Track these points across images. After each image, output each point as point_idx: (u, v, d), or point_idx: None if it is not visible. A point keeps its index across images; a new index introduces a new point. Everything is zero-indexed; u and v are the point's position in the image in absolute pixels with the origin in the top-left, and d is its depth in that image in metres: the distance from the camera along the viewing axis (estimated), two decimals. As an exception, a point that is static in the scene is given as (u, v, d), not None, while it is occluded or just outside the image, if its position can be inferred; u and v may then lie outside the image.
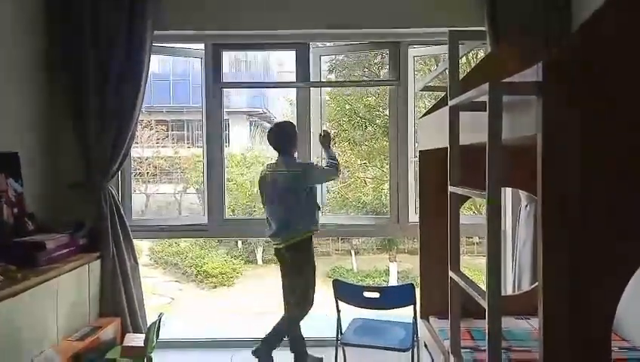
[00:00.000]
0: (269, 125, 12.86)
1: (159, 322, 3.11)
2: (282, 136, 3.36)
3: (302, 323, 3.37)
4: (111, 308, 3.30)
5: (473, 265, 9.38)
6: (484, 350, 1.40)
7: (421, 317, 2.88)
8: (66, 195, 3.36)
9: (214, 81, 3.71)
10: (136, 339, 3.14)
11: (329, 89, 9.10)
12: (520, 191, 3.26)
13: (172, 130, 10.16)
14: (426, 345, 2.79)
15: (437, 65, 6.09)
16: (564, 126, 1.21)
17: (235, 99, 11.70)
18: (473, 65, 3.50)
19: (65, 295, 2.83)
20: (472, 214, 7.07)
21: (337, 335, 3.01)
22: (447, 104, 1.88)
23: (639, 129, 1.23)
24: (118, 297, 3.32)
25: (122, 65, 3.30)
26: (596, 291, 1.22)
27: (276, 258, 3.47)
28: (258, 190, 3.45)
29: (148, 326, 3.15)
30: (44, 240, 2.81)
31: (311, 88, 3.73)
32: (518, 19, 3.23)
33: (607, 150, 1.23)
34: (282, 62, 12.22)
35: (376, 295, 2.96)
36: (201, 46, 3.72)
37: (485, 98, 1.33)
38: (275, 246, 3.38)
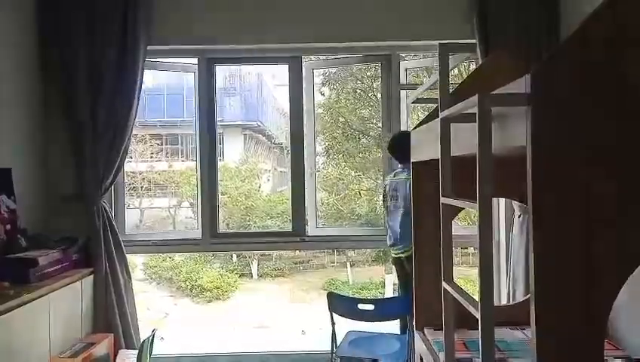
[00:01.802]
0: (263, 138, 12.91)
1: (153, 338, 3.09)
2: (399, 142, 3.37)
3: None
4: (104, 323, 3.27)
5: (468, 276, 9.36)
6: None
7: (416, 329, 2.87)
8: (59, 211, 3.36)
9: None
10: (129, 355, 3.11)
11: (323, 102, 9.12)
12: (513, 201, 3.27)
13: (166, 144, 10.16)
14: (421, 357, 2.78)
15: (429, 78, 6.13)
16: (553, 136, 1.22)
17: (228, 112, 11.72)
18: (465, 77, 3.54)
19: (57, 311, 2.81)
20: (466, 225, 7.07)
21: (332, 348, 3.00)
22: (438, 116, 1.89)
23: (630, 138, 1.24)
24: (111, 313, 3.30)
25: (115, 80, 3.31)
26: (588, 301, 1.23)
27: (395, 266, 3.46)
28: (385, 196, 3.45)
29: (141, 342, 3.12)
30: (37, 257, 2.79)
31: (304, 102, 3.75)
32: (508, 31, 3.27)
33: (597, 160, 1.24)
34: (276, 76, 12.27)
35: (370, 307, 2.96)
36: (195, 60, 3.74)
37: (475, 110, 1.34)
38: (396, 254, 3.37)
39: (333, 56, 3.95)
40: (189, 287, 10.44)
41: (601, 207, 1.23)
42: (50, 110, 3.41)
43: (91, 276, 3.26)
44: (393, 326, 3.35)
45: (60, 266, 2.96)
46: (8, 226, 2.94)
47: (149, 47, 3.41)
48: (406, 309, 2.87)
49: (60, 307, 2.85)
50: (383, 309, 3.02)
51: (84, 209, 3.32)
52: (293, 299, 9.98)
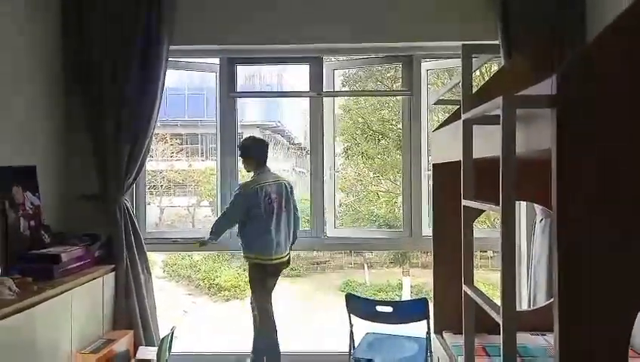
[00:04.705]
0: (282, 138, 12.93)
1: (172, 335, 3.12)
2: (267, 149, 3.54)
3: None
4: (124, 320, 3.31)
5: (488, 280, 9.26)
6: (499, 366, 1.38)
7: (435, 332, 2.85)
8: (81, 208, 3.40)
9: (228, 92, 3.77)
10: (149, 352, 3.15)
11: (342, 102, 9.11)
12: (535, 204, 3.23)
13: (186, 144, 10.24)
14: (439, 361, 2.75)
15: (450, 79, 6.09)
16: (578, 139, 1.20)
17: (248, 112, 11.77)
18: (487, 78, 3.50)
19: (79, 307, 2.85)
20: (486, 228, 7.00)
21: (350, 349, 2.99)
22: (460, 117, 1.87)
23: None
24: (131, 310, 3.34)
25: (138, 79, 3.34)
26: (613, 307, 1.20)
27: (269, 274, 3.41)
28: (244, 205, 3.34)
29: (161, 339, 3.15)
30: (60, 253, 2.84)
31: (324, 101, 3.75)
32: (531, 32, 3.23)
33: (622, 163, 1.21)
34: (296, 76, 12.28)
35: (389, 309, 2.94)
36: (216, 60, 3.76)
37: (499, 111, 1.33)
38: (278, 260, 3.39)
39: (354, 57, 3.94)
40: (207, 286, 10.51)
41: (627, 210, 1.21)
42: (73, 109, 3.45)
43: (113, 273, 3.30)
44: (412, 329, 3.32)
45: (82, 263, 3.00)
46: (32, 222, 3.00)
47: (171, 47, 3.44)
48: (425, 312, 2.84)
49: (82, 303, 2.90)
50: (402, 311, 3.00)
51: (107, 206, 3.36)
52: (310, 299, 9.98)
